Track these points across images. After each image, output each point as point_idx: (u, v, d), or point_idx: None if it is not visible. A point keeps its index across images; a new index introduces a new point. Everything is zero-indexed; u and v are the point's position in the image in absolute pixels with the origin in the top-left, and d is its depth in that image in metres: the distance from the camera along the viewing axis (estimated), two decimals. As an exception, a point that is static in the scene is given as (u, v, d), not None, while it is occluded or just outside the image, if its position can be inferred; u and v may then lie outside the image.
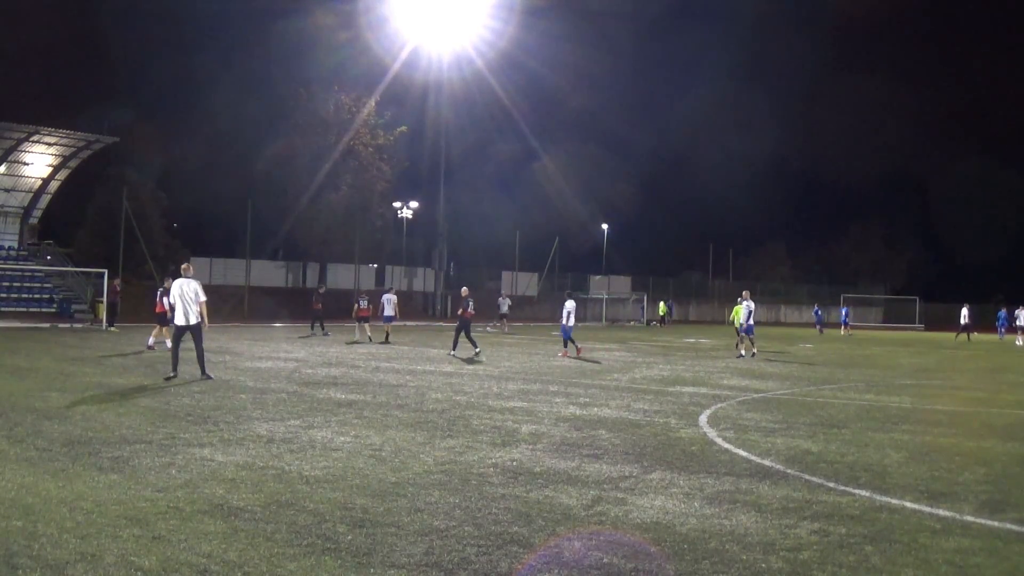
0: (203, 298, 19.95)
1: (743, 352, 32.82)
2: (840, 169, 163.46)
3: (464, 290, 33.83)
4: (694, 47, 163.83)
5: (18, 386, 17.92)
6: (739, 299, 33.70)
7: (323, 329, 42.34)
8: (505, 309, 55.21)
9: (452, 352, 30.42)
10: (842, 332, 62.56)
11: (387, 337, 37.75)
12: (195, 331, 19.92)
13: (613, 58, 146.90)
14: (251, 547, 7.08)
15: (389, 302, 38.63)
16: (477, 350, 30.44)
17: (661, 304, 77.40)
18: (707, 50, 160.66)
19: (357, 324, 39.00)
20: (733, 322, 35.00)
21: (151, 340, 29.55)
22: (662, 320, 75.35)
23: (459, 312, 32.32)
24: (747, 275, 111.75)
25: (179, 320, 19.88)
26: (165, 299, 26.81)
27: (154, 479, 9.43)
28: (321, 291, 44.63)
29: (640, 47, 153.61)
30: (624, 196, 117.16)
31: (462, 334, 31.00)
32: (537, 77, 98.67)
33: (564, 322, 31.69)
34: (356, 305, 39.64)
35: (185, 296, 19.78)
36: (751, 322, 32.95)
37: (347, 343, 35.65)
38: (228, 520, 7.85)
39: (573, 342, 31.86)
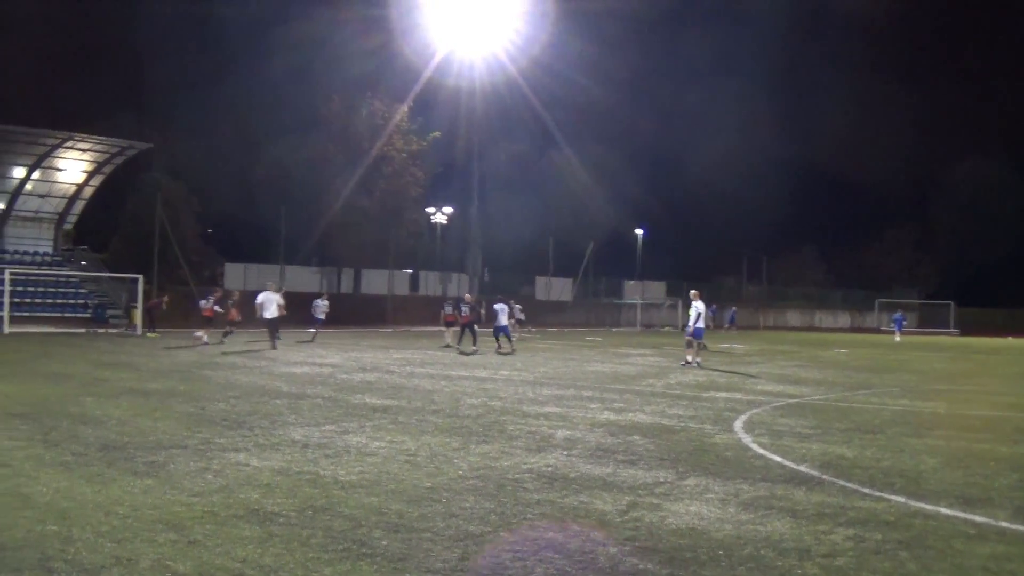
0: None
1: (689, 359, 30.02)
2: (873, 173, 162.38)
3: (468, 296, 39.24)
4: (728, 51, 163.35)
5: (53, 391, 18.09)
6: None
7: (226, 334, 39.48)
8: (520, 315, 51.58)
9: (474, 346, 35.36)
10: (897, 339, 61.68)
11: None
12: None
13: (646, 63, 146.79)
14: (286, 552, 7.14)
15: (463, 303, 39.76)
16: (462, 347, 35.51)
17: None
18: (740, 54, 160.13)
19: (446, 329, 39.83)
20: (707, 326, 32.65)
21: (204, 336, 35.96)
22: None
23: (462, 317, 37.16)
24: (780, 280, 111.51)
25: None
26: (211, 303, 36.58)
27: (190, 484, 9.52)
28: (217, 295, 41.09)
29: (674, 52, 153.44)
30: (658, 201, 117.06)
31: (467, 331, 36.40)
32: (570, 82, 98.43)
33: (497, 322, 35.94)
34: (443, 311, 40.43)
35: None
36: (700, 325, 30.23)
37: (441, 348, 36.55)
38: (263, 525, 7.93)
39: (509, 338, 36.01)
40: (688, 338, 30.41)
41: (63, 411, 14.98)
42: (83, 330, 46.21)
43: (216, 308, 37.51)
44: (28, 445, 11.64)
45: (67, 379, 20.76)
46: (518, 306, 50.19)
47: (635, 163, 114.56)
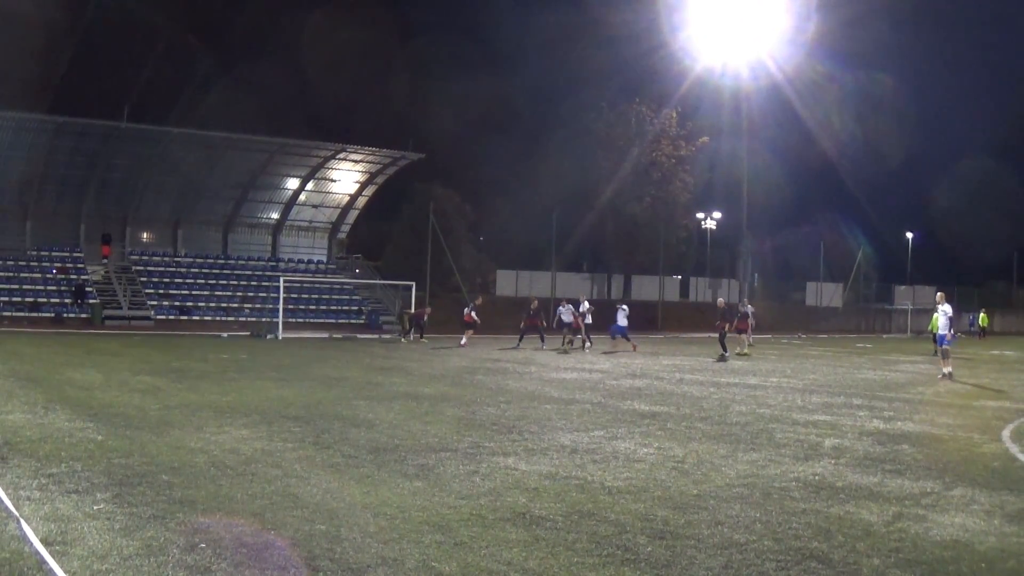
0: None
1: (945, 370, 26.37)
2: None
3: (720, 301, 39.21)
4: (1007, 46, 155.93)
5: (326, 394, 18.80)
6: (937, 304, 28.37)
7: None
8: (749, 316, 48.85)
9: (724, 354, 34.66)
10: None
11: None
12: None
13: (913, 62, 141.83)
14: (551, 556, 7.31)
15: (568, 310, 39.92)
16: (725, 354, 34.44)
17: (982, 314, 72.44)
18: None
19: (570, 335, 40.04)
20: (933, 332, 29.78)
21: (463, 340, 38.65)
22: (982, 332, 71.14)
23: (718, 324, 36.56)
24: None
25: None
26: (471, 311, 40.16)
27: (458, 487, 9.83)
28: (478, 302, 43.59)
29: (943, 49, 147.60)
30: (927, 202, 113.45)
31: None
32: (837, 85, 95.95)
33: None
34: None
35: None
36: (944, 332, 26.93)
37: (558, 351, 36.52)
38: (530, 528, 8.13)
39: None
40: (940, 347, 27.42)
41: (335, 414, 15.54)
42: (339, 335, 47.80)
43: (474, 316, 40.10)
44: (300, 447, 12.13)
45: (340, 383, 21.54)
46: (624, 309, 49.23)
47: (908, 165, 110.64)
